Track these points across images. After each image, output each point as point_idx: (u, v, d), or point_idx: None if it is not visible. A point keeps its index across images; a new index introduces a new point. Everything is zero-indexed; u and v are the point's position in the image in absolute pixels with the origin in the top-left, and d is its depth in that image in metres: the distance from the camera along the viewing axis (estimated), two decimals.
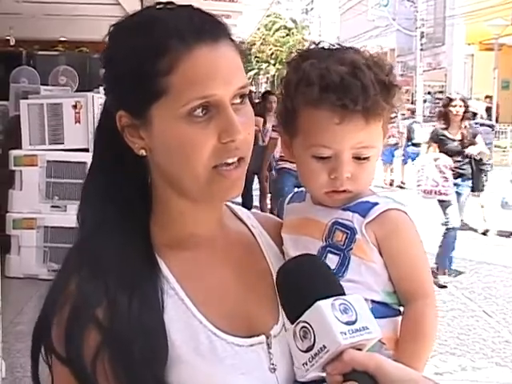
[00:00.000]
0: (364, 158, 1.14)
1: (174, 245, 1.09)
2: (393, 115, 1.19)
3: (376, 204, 1.13)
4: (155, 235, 1.08)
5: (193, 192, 1.05)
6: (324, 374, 0.92)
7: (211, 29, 1.02)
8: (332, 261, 1.11)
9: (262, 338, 1.06)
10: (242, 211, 1.23)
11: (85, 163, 6.60)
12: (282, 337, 1.07)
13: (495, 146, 20.86)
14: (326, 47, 1.19)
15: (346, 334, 0.88)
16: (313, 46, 1.21)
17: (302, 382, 1.05)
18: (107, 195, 1.08)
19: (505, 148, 21.29)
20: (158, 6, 1.07)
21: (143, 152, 1.05)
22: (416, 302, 1.11)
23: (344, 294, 0.93)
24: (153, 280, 1.03)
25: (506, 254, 8.66)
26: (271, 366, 1.05)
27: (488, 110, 25.72)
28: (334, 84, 1.10)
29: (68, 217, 6.34)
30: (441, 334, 5.43)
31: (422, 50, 30.76)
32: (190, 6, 1.07)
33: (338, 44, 1.21)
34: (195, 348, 1.00)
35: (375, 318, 1.04)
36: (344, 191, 1.14)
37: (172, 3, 1.08)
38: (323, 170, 1.14)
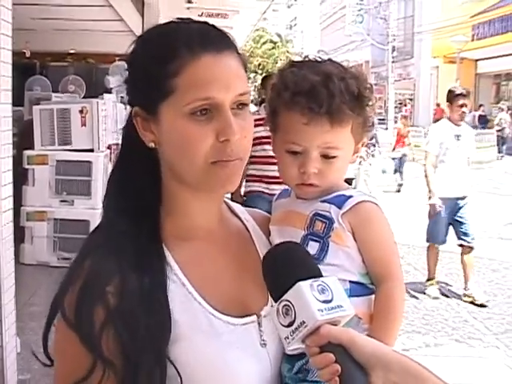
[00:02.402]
0: (331, 157, 1.16)
1: (179, 234, 1.10)
2: (367, 124, 1.20)
3: (350, 197, 1.15)
4: (164, 225, 1.09)
5: (192, 182, 1.06)
6: (303, 346, 0.93)
7: (217, 40, 1.05)
8: (313, 247, 1.13)
9: (254, 317, 1.08)
10: (236, 206, 1.25)
11: (90, 162, 6.59)
12: (271, 316, 1.09)
13: None
14: (313, 59, 1.22)
15: (322, 311, 0.90)
16: (305, 57, 1.24)
17: (291, 355, 1.07)
18: (123, 185, 1.10)
19: None
20: (175, 20, 1.09)
21: (152, 144, 1.07)
22: (386, 283, 1.12)
23: (322, 276, 0.95)
24: (159, 266, 1.04)
25: None
26: (262, 342, 1.07)
27: (480, 118, 25.70)
28: (304, 90, 1.13)
29: (75, 210, 6.33)
30: (408, 315, 5.47)
31: (393, 62, 30.86)
32: (205, 22, 1.09)
33: (329, 59, 1.23)
34: (196, 326, 1.02)
35: (353, 296, 1.06)
36: (311, 185, 1.17)
37: (189, 19, 1.10)
38: (294, 164, 1.17)
